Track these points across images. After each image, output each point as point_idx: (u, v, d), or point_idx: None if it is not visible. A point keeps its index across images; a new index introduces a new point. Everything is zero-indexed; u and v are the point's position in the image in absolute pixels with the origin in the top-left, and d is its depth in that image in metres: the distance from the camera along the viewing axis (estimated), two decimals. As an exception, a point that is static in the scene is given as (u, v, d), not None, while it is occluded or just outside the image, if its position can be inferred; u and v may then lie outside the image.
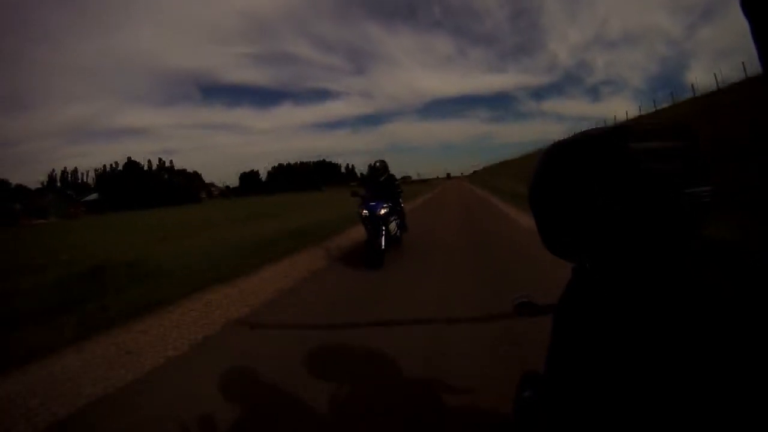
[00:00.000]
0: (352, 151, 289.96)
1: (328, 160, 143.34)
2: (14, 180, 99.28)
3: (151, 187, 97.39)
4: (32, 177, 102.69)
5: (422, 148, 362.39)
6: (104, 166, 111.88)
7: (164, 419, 2.38)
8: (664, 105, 30.80)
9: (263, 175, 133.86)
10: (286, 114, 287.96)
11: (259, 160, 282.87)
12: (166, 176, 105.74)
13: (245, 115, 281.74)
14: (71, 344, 3.79)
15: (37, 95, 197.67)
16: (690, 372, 0.54)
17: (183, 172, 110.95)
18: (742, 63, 20.39)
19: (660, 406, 0.54)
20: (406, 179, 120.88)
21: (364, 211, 6.41)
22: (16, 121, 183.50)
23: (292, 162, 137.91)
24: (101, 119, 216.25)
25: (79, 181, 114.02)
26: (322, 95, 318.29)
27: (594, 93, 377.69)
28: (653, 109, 31.91)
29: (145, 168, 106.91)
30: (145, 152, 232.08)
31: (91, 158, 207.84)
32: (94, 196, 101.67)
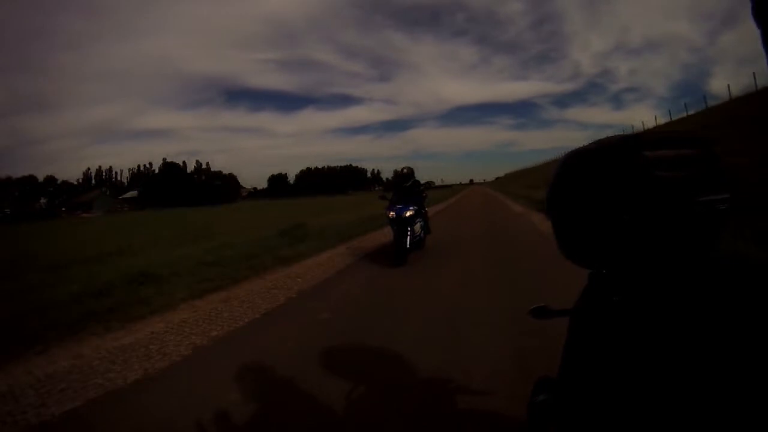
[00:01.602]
0: (376, 156, 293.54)
1: (354, 165, 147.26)
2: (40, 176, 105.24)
3: (190, 188, 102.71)
4: (60, 174, 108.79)
5: (445, 155, 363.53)
6: (138, 165, 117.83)
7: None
8: (692, 111, 30.07)
9: (291, 178, 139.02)
10: (310, 119, 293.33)
11: (282, 163, 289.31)
12: (203, 177, 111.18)
13: (269, 119, 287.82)
14: (330, 249, 8.31)
15: (65, 97, 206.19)
16: (703, 378, 0.56)
17: (219, 174, 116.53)
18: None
19: (674, 411, 0.56)
20: (429, 185, 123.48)
21: (391, 214, 6.97)
22: (45, 122, 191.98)
23: (319, 166, 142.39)
24: (126, 121, 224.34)
25: (114, 179, 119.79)
26: (345, 101, 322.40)
27: (617, 100, 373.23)
28: (684, 115, 31.26)
29: (181, 169, 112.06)
30: (169, 153, 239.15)
31: (117, 158, 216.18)
32: (133, 193, 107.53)
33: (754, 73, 23.77)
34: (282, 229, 10.77)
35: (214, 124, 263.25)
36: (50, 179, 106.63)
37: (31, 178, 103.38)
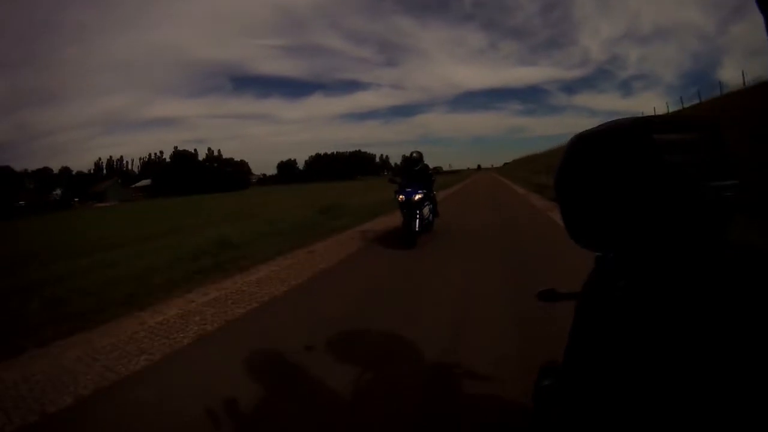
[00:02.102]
0: (384, 141, 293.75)
1: (363, 150, 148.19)
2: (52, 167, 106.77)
3: (202, 175, 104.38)
4: (70, 165, 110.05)
5: (454, 140, 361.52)
6: (150, 154, 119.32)
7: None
8: (693, 102, 29.75)
9: (300, 165, 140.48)
10: (318, 105, 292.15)
11: (291, 149, 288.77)
12: (215, 165, 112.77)
13: (276, 106, 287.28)
14: (362, 223, 9.78)
15: (72, 89, 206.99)
16: (709, 365, 0.55)
17: (231, 161, 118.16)
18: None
19: (677, 398, 0.56)
20: (437, 169, 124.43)
21: (401, 197, 7.14)
22: (52, 114, 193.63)
23: (328, 152, 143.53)
24: (134, 111, 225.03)
25: (125, 169, 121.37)
26: (353, 86, 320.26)
27: (626, 87, 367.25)
28: (680, 107, 31.42)
29: (192, 156, 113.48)
30: (177, 141, 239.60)
31: (125, 147, 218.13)
32: (146, 182, 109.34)
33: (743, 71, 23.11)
34: (320, 208, 12.12)
35: (221, 111, 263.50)
36: (65, 171, 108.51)
37: (46, 170, 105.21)
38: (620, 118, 0.71)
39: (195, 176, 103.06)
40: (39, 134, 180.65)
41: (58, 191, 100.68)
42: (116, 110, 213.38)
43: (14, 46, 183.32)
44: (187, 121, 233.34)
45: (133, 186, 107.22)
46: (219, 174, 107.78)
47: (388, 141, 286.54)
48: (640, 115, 0.72)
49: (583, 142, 0.73)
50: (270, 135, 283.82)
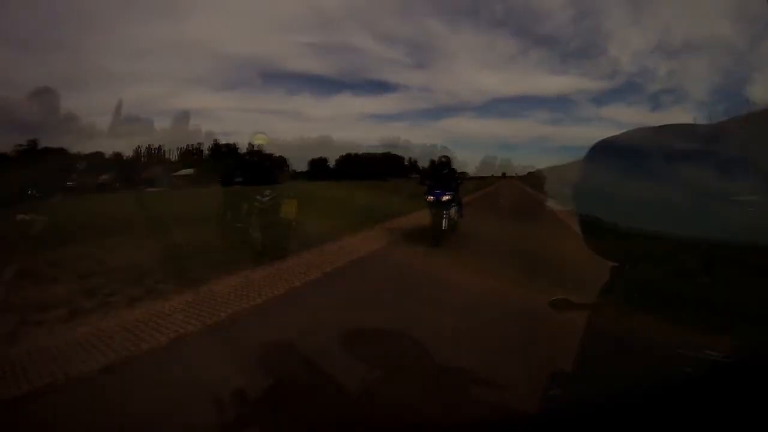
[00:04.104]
0: (411, 144, 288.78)
1: (392, 152, 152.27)
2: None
3: (242, 168, 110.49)
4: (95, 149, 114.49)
5: (480, 146, 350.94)
6: (187, 145, 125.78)
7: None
8: (722, 118, 33.28)
9: (330, 162, 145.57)
10: (346, 103, 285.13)
11: (318, 147, 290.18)
12: (255, 159, 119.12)
13: (305, 102, 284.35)
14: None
15: (100, 77, 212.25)
16: (720, 374, 0.56)
17: (271, 156, 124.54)
18: None
19: (691, 412, 0.56)
20: (463, 175, 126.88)
21: (430, 198, 7.55)
22: (80, 100, 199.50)
23: (359, 152, 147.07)
24: (161, 100, 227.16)
25: (163, 157, 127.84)
26: (381, 87, 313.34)
27: (654, 101, 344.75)
28: (707, 123, 34.38)
29: (233, 149, 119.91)
30: (205, 133, 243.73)
31: (153, 135, 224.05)
32: (188, 171, 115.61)
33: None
34: (405, 196, 17.62)
35: (249, 105, 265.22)
36: (117, 156, 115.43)
37: (99, 154, 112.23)
38: (640, 127, 0.71)
39: (235, 168, 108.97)
40: (67, 118, 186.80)
41: (106, 175, 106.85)
42: (145, 98, 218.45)
43: (41, 30, 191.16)
44: (214, 114, 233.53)
45: (175, 174, 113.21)
46: (259, 168, 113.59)
47: (415, 143, 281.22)
48: (660, 125, 0.72)
49: (602, 150, 0.74)
50: (297, 131, 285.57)
